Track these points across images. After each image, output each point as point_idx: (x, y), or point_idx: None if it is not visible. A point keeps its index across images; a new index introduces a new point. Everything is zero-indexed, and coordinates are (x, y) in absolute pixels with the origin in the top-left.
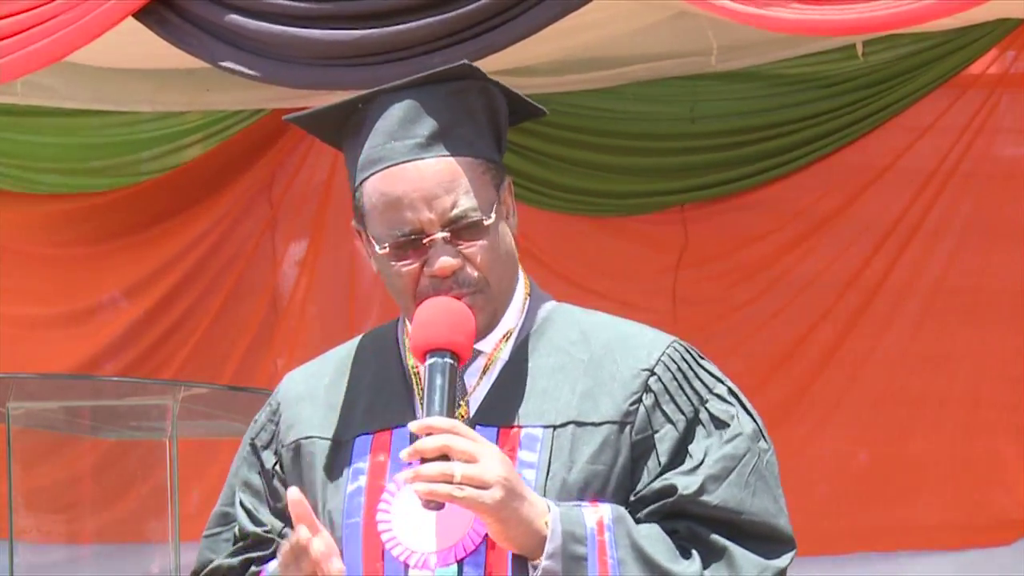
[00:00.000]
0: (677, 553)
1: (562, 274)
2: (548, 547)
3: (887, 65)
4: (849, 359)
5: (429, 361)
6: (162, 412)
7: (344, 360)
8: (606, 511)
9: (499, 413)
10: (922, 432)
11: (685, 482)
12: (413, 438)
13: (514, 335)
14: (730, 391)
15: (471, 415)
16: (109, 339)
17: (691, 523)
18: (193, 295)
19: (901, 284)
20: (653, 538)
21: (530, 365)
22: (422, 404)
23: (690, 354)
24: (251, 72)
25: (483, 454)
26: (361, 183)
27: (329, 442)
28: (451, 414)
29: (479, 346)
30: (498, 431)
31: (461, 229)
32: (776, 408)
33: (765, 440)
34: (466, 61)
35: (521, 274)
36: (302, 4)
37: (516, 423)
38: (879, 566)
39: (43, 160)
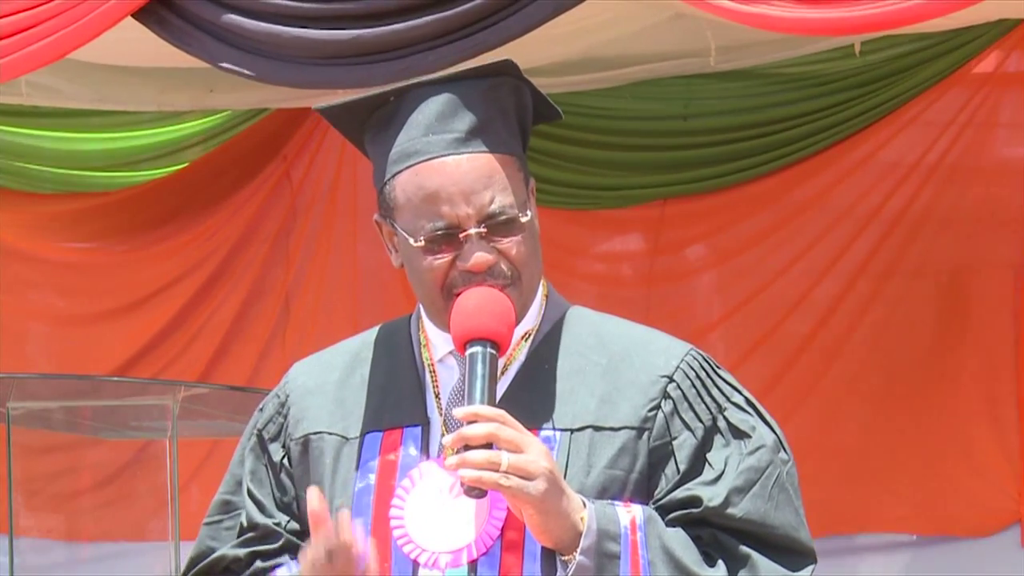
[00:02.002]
0: (702, 558)
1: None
2: (583, 542)
3: (883, 64)
4: (825, 346)
5: (470, 350)
6: (162, 412)
7: (355, 354)
8: (638, 511)
9: (516, 415)
10: (902, 420)
11: (710, 494)
12: (452, 428)
13: (532, 337)
14: (747, 400)
15: None
16: (124, 343)
17: (714, 531)
18: (217, 298)
19: (878, 272)
20: (680, 542)
21: (547, 368)
22: (437, 397)
23: (708, 362)
24: (248, 72)
25: (529, 444)
26: (393, 176)
27: (338, 438)
28: (492, 403)
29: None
30: None
31: (497, 225)
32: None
33: (785, 451)
34: (509, 58)
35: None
36: (299, 4)
37: (533, 425)
38: (856, 553)
39: (45, 160)
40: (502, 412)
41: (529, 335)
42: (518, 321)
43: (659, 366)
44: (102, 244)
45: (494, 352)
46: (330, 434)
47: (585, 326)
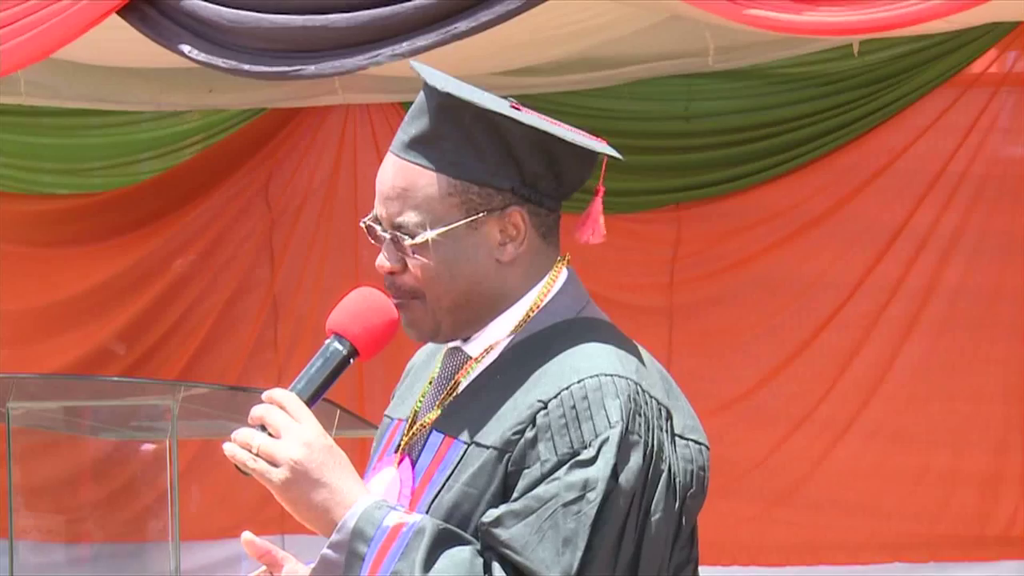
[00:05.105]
0: None
1: None
2: (333, 537)
3: (884, 64)
4: (863, 368)
5: (325, 342)
6: (162, 412)
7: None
8: (413, 520)
9: (450, 422)
10: (929, 441)
11: (490, 512)
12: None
13: (499, 347)
14: (616, 438)
15: (438, 419)
16: (109, 338)
17: (492, 554)
18: (192, 295)
19: (915, 290)
20: (455, 562)
21: (498, 378)
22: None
23: (599, 392)
24: (220, 64)
25: (288, 432)
26: None
27: (388, 420)
28: (312, 393)
29: (468, 351)
30: (443, 438)
31: (401, 238)
32: (781, 415)
33: (594, 492)
34: (439, 87)
35: (536, 288)
36: None
37: (453, 433)
38: None
39: (43, 160)
40: (291, 396)
41: (494, 347)
42: (443, 334)
43: (548, 391)
44: (95, 241)
45: (341, 349)
46: (387, 417)
47: (556, 340)
